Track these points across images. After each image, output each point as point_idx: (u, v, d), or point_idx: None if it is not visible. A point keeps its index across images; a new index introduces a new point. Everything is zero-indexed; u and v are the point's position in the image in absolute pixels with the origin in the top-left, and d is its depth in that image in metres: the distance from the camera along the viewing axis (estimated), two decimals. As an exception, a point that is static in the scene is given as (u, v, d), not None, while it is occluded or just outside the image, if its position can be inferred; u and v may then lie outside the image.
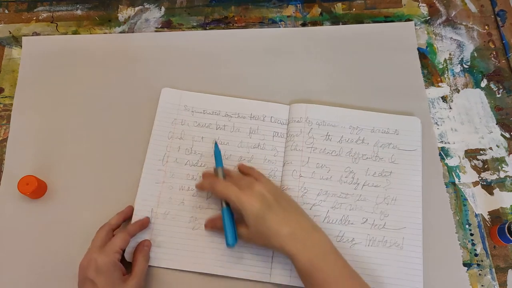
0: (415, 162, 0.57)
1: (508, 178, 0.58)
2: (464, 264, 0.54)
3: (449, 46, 0.66)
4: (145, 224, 0.53)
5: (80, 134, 0.59)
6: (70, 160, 0.58)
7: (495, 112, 0.62)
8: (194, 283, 0.52)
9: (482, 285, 0.53)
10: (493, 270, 0.54)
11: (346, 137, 0.58)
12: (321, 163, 0.57)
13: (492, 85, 0.63)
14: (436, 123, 0.61)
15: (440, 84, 0.63)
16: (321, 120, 0.59)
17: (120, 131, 0.60)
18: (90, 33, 0.67)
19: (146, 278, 0.52)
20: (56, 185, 0.57)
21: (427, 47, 0.66)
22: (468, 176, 0.58)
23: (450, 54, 0.65)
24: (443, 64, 0.65)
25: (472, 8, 0.69)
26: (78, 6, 0.69)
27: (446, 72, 0.64)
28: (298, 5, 0.69)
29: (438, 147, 0.59)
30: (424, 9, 0.68)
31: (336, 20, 0.68)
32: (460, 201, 0.57)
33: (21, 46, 0.65)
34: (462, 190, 0.57)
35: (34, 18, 0.68)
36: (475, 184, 0.58)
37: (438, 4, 0.69)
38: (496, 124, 0.61)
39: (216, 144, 0.56)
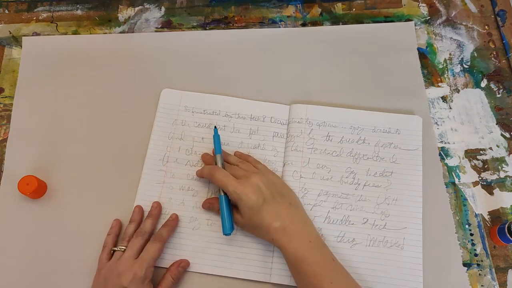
0: (416, 162, 0.57)
1: (508, 178, 0.58)
2: (464, 264, 0.54)
3: (449, 46, 0.66)
4: (176, 225, 0.54)
5: (80, 134, 0.59)
6: (70, 160, 0.58)
7: (495, 112, 0.62)
8: (194, 283, 0.52)
9: (482, 285, 0.53)
10: (493, 270, 0.54)
11: (346, 137, 0.58)
12: (322, 163, 0.57)
13: (492, 85, 0.63)
14: (436, 123, 0.61)
15: (440, 84, 0.63)
16: (321, 121, 0.59)
17: (120, 131, 0.60)
18: (90, 33, 0.67)
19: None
20: (56, 185, 0.57)
21: (427, 47, 0.66)
22: (468, 176, 0.58)
23: (450, 54, 0.65)
24: (443, 64, 0.65)
25: (472, 8, 0.69)
26: (78, 6, 0.69)
27: (446, 72, 0.64)
28: (298, 5, 0.69)
29: (438, 147, 0.59)
30: (424, 9, 0.68)
31: (336, 20, 0.68)
32: (460, 201, 0.57)
33: (21, 46, 0.65)
34: (462, 190, 0.57)
35: (34, 18, 0.68)
36: (475, 184, 0.58)
37: (438, 4, 0.69)
38: (496, 124, 0.61)
39: (215, 129, 0.56)
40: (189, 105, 0.60)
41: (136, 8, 0.69)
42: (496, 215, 0.56)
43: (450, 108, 0.62)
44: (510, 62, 0.65)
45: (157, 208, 0.54)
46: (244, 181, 0.50)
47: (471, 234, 0.55)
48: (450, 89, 0.63)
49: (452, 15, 0.68)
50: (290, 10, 0.68)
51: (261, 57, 0.64)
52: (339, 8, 0.69)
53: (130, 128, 0.60)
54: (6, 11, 0.68)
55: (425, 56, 0.65)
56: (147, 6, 0.69)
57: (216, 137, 0.56)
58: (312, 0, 0.69)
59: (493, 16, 0.68)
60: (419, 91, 0.62)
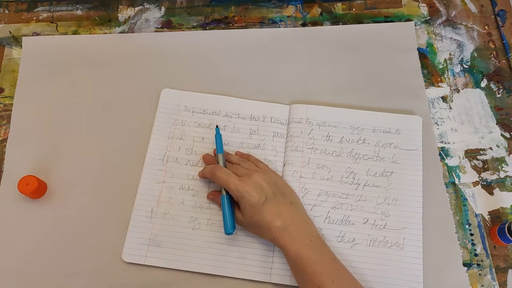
0: (416, 162, 0.57)
1: (508, 178, 0.58)
2: (464, 264, 0.54)
3: (449, 46, 0.66)
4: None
5: (80, 134, 0.59)
6: (70, 160, 0.58)
7: (495, 112, 0.62)
8: (194, 283, 0.52)
9: (482, 285, 0.53)
10: (493, 270, 0.54)
11: (346, 137, 0.58)
12: (322, 163, 0.57)
13: (492, 85, 0.63)
14: (436, 123, 0.61)
15: (440, 84, 0.63)
16: (321, 121, 0.59)
17: (120, 131, 0.60)
18: (90, 33, 0.67)
19: (147, 278, 0.52)
20: (56, 185, 0.57)
21: (427, 47, 0.66)
22: (468, 176, 0.58)
23: (450, 54, 0.65)
24: (443, 64, 0.65)
25: (472, 8, 0.69)
26: (78, 6, 0.69)
27: (446, 72, 0.64)
28: (298, 5, 0.69)
29: (438, 147, 0.59)
30: (424, 9, 0.68)
31: (336, 20, 0.68)
32: (460, 201, 0.57)
33: (21, 46, 0.65)
34: (462, 190, 0.57)
35: (34, 18, 0.68)
36: (475, 184, 0.58)
37: (438, 4, 0.69)
38: (496, 124, 0.61)
39: (217, 128, 0.56)
40: (189, 105, 0.60)
41: (136, 8, 0.68)
42: (496, 215, 0.56)
43: (450, 108, 0.62)
44: (510, 62, 0.65)
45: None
46: (246, 179, 0.50)
47: (471, 234, 0.55)
48: (450, 89, 0.63)
49: (452, 15, 0.68)
50: (290, 10, 0.68)
51: (261, 57, 0.64)
52: (339, 8, 0.69)
53: (130, 128, 0.60)
54: (6, 11, 0.68)
55: (425, 56, 0.65)
56: (147, 6, 0.69)
57: (218, 137, 0.56)
58: (312, 0, 0.69)
59: (493, 16, 0.68)
60: (419, 91, 0.62)
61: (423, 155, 0.57)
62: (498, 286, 0.53)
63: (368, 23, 0.67)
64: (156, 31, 0.67)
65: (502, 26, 0.67)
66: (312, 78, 0.63)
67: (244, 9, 0.69)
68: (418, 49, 0.65)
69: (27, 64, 0.64)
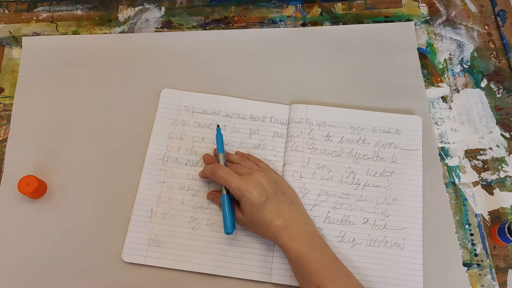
0: (416, 162, 0.57)
1: (508, 178, 0.58)
2: (464, 264, 0.54)
3: (449, 46, 0.66)
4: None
5: (80, 134, 0.59)
6: (70, 160, 0.58)
7: (495, 112, 0.62)
8: (194, 283, 0.52)
9: (482, 285, 0.53)
10: (493, 270, 0.54)
11: (346, 137, 0.58)
12: (322, 163, 0.57)
13: (492, 85, 0.63)
14: (436, 123, 0.61)
15: (440, 84, 0.63)
16: (321, 121, 0.59)
17: (120, 131, 0.60)
18: (90, 33, 0.67)
19: (147, 278, 0.52)
20: (56, 185, 0.57)
21: (427, 47, 0.66)
22: (468, 176, 0.58)
23: (450, 54, 0.65)
24: (443, 64, 0.65)
25: (472, 8, 0.69)
26: (78, 6, 0.69)
27: (446, 72, 0.64)
28: (298, 5, 0.69)
29: (438, 147, 0.59)
30: (424, 9, 0.68)
31: (336, 20, 0.68)
32: (460, 201, 0.57)
33: (21, 46, 0.65)
34: (462, 190, 0.57)
35: (34, 18, 0.68)
36: (475, 184, 0.58)
37: (438, 4, 0.69)
38: (496, 124, 0.61)
39: (218, 128, 0.56)
40: (189, 105, 0.60)
41: (136, 8, 0.68)
42: (496, 215, 0.56)
43: (450, 108, 0.62)
44: (510, 62, 0.65)
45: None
46: (247, 178, 0.50)
47: (471, 234, 0.55)
48: (450, 89, 0.63)
49: (452, 15, 0.68)
50: (290, 10, 0.68)
51: (261, 57, 0.64)
52: (339, 8, 0.69)
53: (130, 128, 0.60)
54: (6, 11, 0.68)
55: (425, 56, 0.65)
56: (147, 6, 0.69)
57: (219, 136, 0.56)
58: (312, 0, 0.69)
59: (493, 16, 0.68)
60: (419, 91, 0.62)
61: (423, 155, 0.57)
62: (498, 286, 0.53)
63: (368, 23, 0.67)
64: (156, 31, 0.67)
65: (502, 26, 0.67)
66: (312, 78, 0.63)
67: (244, 9, 0.69)
68: (418, 49, 0.65)
69: (27, 64, 0.64)
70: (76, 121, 0.60)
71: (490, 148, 0.60)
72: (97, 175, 0.57)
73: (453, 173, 0.58)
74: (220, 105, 0.60)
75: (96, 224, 0.55)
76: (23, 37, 0.66)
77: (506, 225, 0.52)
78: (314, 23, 0.67)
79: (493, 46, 0.66)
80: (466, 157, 0.59)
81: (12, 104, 0.61)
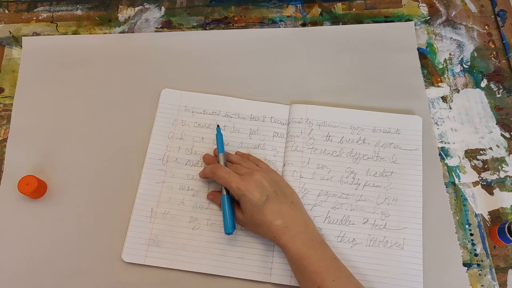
0: (416, 162, 0.57)
1: (508, 178, 0.58)
2: (464, 264, 0.54)
3: (449, 46, 0.66)
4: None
5: (80, 134, 0.59)
6: (70, 160, 0.58)
7: (495, 112, 0.62)
8: (194, 283, 0.52)
9: (482, 285, 0.53)
10: (493, 270, 0.54)
11: (346, 137, 0.58)
12: (322, 163, 0.57)
13: (492, 85, 0.63)
14: (436, 123, 0.61)
15: (440, 84, 0.63)
16: (321, 121, 0.59)
17: (120, 131, 0.60)
18: (90, 33, 0.67)
19: (147, 278, 0.52)
20: (56, 185, 0.57)
21: (427, 47, 0.66)
22: (468, 176, 0.58)
23: (450, 54, 0.65)
24: (443, 64, 0.65)
25: (472, 8, 0.69)
26: (78, 6, 0.69)
27: (446, 72, 0.64)
28: (298, 5, 0.69)
29: (438, 147, 0.59)
30: (424, 9, 0.68)
31: (336, 20, 0.68)
32: (460, 201, 0.57)
33: (21, 46, 0.65)
34: (462, 190, 0.57)
35: (34, 18, 0.68)
36: (475, 184, 0.58)
37: (438, 4, 0.69)
38: (496, 124, 0.61)
39: (218, 128, 0.56)
40: (189, 105, 0.60)
41: (136, 8, 0.68)
42: (496, 215, 0.56)
43: (450, 108, 0.62)
44: (510, 62, 0.65)
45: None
46: (248, 178, 0.50)
47: (471, 234, 0.55)
48: (450, 89, 0.63)
49: (452, 15, 0.68)
50: (290, 10, 0.68)
51: (261, 57, 0.64)
52: (339, 8, 0.69)
53: (130, 128, 0.60)
54: (6, 11, 0.68)
55: (425, 56, 0.65)
56: (147, 6, 0.69)
57: (219, 136, 0.56)
58: (312, 0, 0.69)
59: (493, 16, 0.68)
60: (419, 91, 0.62)
61: (423, 155, 0.57)
62: (498, 286, 0.53)
63: (368, 23, 0.67)
64: (156, 31, 0.67)
65: (502, 26, 0.67)
66: (312, 78, 0.63)
67: (244, 9, 0.69)
68: (418, 49, 0.65)
69: (27, 64, 0.64)
70: (76, 121, 0.60)
71: (490, 148, 0.60)
72: (97, 175, 0.57)
73: (453, 173, 0.58)
74: (220, 105, 0.60)
75: (96, 224, 0.55)
76: (23, 37, 0.66)
77: (506, 225, 0.52)
78: (314, 23, 0.67)
79: (493, 46, 0.66)
80: (466, 157, 0.59)
81: (12, 104, 0.61)
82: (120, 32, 0.67)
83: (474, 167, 0.59)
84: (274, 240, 0.49)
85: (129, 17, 0.68)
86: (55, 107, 0.61)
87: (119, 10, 0.68)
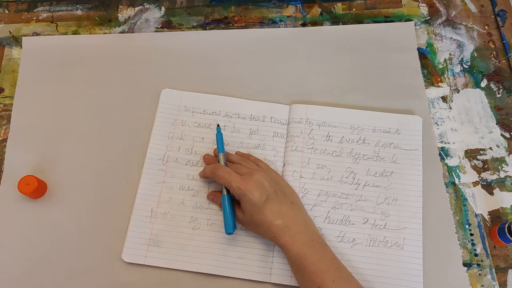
0: (416, 162, 0.57)
1: (508, 178, 0.58)
2: (464, 264, 0.54)
3: (449, 46, 0.66)
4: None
5: (80, 134, 0.59)
6: (70, 160, 0.58)
7: (495, 112, 0.62)
8: (194, 283, 0.52)
9: (482, 285, 0.53)
10: (493, 270, 0.54)
11: (346, 137, 0.58)
12: (322, 163, 0.57)
13: (492, 85, 0.63)
14: (436, 123, 0.61)
15: (440, 84, 0.63)
16: (321, 121, 0.59)
17: (120, 131, 0.60)
18: (90, 33, 0.67)
19: (147, 278, 0.52)
20: (56, 185, 0.57)
21: (427, 47, 0.66)
22: (468, 176, 0.58)
23: (450, 54, 0.65)
24: (443, 64, 0.65)
25: (472, 8, 0.69)
26: (78, 6, 0.69)
27: (446, 72, 0.64)
28: (298, 5, 0.69)
29: (438, 147, 0.59)
30: (424, 9, 0.68)
31: (336, 20, 0.68)
32: (460, 201, 0.57)
33: (21, 46, 0.65)
34: (462, 190, 0.57)
35: (34, 18, 0.68)
36: (475, 184, 0.58)
37: (438, 4, 0.69)
38: (496, 124, 0.61)
39: (218, 128, 0.56)
40: (189, 105, 0.60)
41: (136, 8, 0.68)
42: (496, 215, 0.56)
43: (450, 108, 0.62)
44: (510, 62, 0.65)
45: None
46: (248, 178, 0.50)
47: (471, 234, 0.55)
48: (450, 89, 0.63)
49: (452, 15, 0.68)
50: (290, 10, 0.68)
51: (261, 57, 0.64)
52: (339, 8, 0.69)
53: (130, 128, 0.60)
54: (6, 11, 0.68)
55: (425, 56, 0.65)
56: (147, 6, 0.69)
57: (219, 136, 0.56)
58: (312, 0, 0.69)
59: (493, 16, 0.68)
60: (419, 91, 0.62)
61: (423, 155, 0.57)
62: (498, 286, 0.53)
63: (368, 23, 0.67)
64: (156, 31, 0.67)
65: (502, 26, 0.67)
66: (312, 78, 0.63)
67: (244, 9, 0.69)
68: (418, 49, 0.65)
69: (27, 64, 0.64)
70: (76, 121, 0.60)
71: (490, 148, 0.60)
72: (97, 175, 0.57)
73: (453, 173, 0.58)
74: (220, 105, 0.60)
75: (96, 224, 0.55)
76: (23, 37, 0.66)
77: (506, 225, 0.52)
78: (314, 23, 0.67)
79: (493, 46, 0.66)
80: (466, 157, 0.59)
81: (12, 104, 0.61)
82: (120, 32, 0.67)
83: (474, 167, 0.59)
84: (274, 240, 0.49)
85: (129, 17, 0.68)
86: (55, 107, 0.61)
87: (119, 10, 0.69)
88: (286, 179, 0.56)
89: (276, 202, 0.50)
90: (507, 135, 0.60)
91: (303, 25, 0.67)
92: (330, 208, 0.55)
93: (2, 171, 0.58)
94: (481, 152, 0.60)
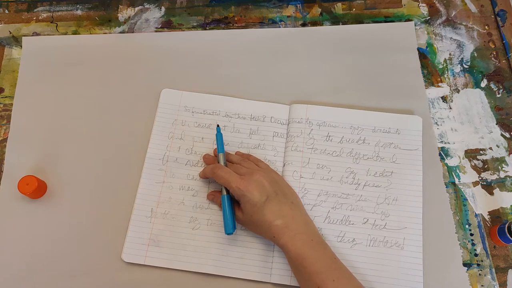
0: (416, 162, 0.57)
1: (508, 178, 0.58)
2: (464, 264, 0.54)
3: (449, 46, 0.66)
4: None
5: (80, 134, 0.59)
6: (70, 160, 0.58)
7: (495, 112, 0.62)
8: (194, 283, 0.52)
9: (482, 285, 0.53)
10: (493, 270, 0.54)
11: (346, 137, 0.58)
12: (322, 163, 0.57)
13: (492, 85, 0.63)
14: (436, 123, 0.61)
15: (440, 84, 0.63)
16: (321, 121, 0.59)
17: (120, 131, 0.60)
18: (90, 33, 0.67)
19: (147, 278, 0.52)
20: (56, 185, 0.57)
21: (427, 47, 0.66)
22: (468, 176, 0.58)
23: (450, 54, 0.65)
24: (443, 64, 0.65)
25: (472, 8, 0.69)
26: (78, 6, 0.69)
27: (446, 72, 0.64)
28: (298, 5, 0.69)
29: (438, 147, 0.59)
30: (424, 9, 0.68)
31: (336, 20, 0.68)
32: (460, 201, 0.57)
33: (21, 46, 0.65)
34: (462, 190, 0.57)
35: (34, 18, 0.68)
36: (475, 184, 0.58)
37: (438, 4, 0.69)
38: (496, 124, 0.61)
39: (218, 128, 0.57)
40: (189, 105, 0.60)
41: (136, 8, 0.68)
42: (496, 215, 0.56)
43: (450, 108, 0.62)
44: (510, 62, 0.65)
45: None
46: (248, 178, 0.50)
47: (471, 234, 0.55)
48: (450, 89, 0.63)
49: (452, 15, 0.68)
50: (290, 10, 0.68)
51: (261, 57, 0.64)
52: (339, 8, 0.69)
53: (130, 128, 0.60)
54: (6, 11, 0.68)
55: (425, 56, 0.65)
56: (147, 6, 0.69)
57: (219, 136, 0.56)
58: (312, 0, 0.69)
59: (493, 16, 0.68)
60: (419, 91, 0.62)
61: (423, 155, 0.57)
62: (498, 286, 0.53)
63: (368, 23, 0.67)
64: (156, 31, 0.67)
65: (502, 26, 0.67)
66: (312, 78, 0.63)
67: (244, 9, 0.69)
68: (418, 49, 0.65)
69: (27, 64, 0.64)
70: (76, 121, 0.60)
71: (490, 148, 0.60)
72: (97, 175, 0.57)
73: (453, 173, 0.58)
74: (220, 105, 0.60)
75: (96, 224, 0.55)
76: (23, 37, 0.66)
77: (506, 225, 0.52)
78: (314, 23, 0.67)
79: (493, 46, 0.66)
80: (466, 157, 0.59)
81: (12, 104, 0.61)
82: (120, 32, 0.67)
83: (474, 167, 0.59)
84: (274, 240, 0.49)
85: (129, 17, 0.68)
86: (55, 107, 0.61)
87: (119, 10, 0.69)
88: (286, 179, 0.56)
89: (276, 202, 0.50)
90: (507, 135, 0.60)
91: (303, 25, 0.67)
92: (330, 208, 0.55)
93: (2, 171, 0.58)
94: (481, 152, 0.60)
